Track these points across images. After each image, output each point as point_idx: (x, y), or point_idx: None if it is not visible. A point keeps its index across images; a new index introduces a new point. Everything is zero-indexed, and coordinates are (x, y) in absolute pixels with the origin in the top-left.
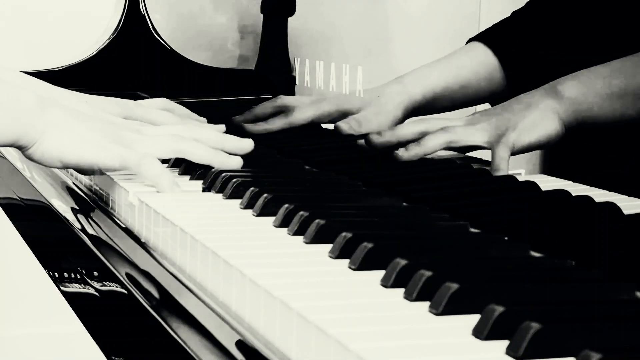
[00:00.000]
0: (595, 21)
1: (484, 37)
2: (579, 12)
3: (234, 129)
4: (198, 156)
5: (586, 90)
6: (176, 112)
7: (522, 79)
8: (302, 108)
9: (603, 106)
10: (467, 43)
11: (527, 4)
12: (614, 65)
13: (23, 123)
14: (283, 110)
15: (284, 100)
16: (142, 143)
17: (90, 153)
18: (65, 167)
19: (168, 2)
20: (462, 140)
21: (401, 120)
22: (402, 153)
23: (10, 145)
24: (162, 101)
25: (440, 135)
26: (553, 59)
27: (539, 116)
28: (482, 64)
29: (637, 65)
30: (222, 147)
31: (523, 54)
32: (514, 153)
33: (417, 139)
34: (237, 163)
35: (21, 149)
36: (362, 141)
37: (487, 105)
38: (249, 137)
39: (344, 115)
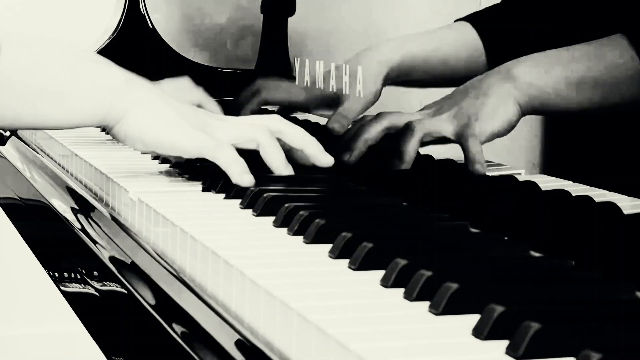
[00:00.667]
0: (584, 13)
1: (471, 18)
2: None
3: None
4: (270, 158)
5: (543, 74)
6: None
7: (503, 59)
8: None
9: (559, 93)
10: (454, 22)
11: None
12: (573, 51)
13: (110, 102)
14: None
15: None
16: (224, 129)
17: (170, 135)
18: (146, 148)
19: (168, 2)
20: (434, 132)
21: (380, 93)
22: (347, 158)
23: (98, 125)
24: (185, 80)
25: (413, 134)
26: (539, 45)
27: (497, 103)
28: (466, 43)
29: (598, 54)
30: (303, 148)
31: (508, 39)
32: (481, 143)
33: (386, 135)
34: (329, 162)
35: (107, 127)
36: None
37: None
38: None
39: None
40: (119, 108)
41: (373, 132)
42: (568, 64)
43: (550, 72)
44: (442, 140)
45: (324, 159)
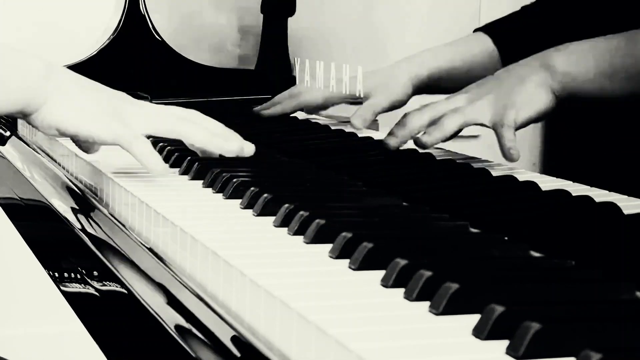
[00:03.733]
0: (598, 19)
1: (487, 29)
2: (585, 7)
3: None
4: (194, 138)
5: (578, 64)
6: None
7: None
8: (311, 91)
9: (594, 82)
10: (473, 32)
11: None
12: (608, 42)
13: (31, 90)
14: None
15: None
16: (140, 118)
17: (86, 125)
18: (61, 135)
19: (168, 2)
20: (474, 119)
21: (410, 96)
22: (425, 139)
23: (18, 113)
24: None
25: (456, 117)
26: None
27: (533, 90)
28: (486, 53)
29: (630, 44)
30: (224, 140)
31: (522, 48)
32: (516, 129)
33: (429, 126)
34: (235, 148)
35: (25, 116)
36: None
37: None
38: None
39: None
40: (39, 96)
41: (418, 123)
42: (603, 53)
43: (585, 62)
44: (478, 125)
45: (246, 149)
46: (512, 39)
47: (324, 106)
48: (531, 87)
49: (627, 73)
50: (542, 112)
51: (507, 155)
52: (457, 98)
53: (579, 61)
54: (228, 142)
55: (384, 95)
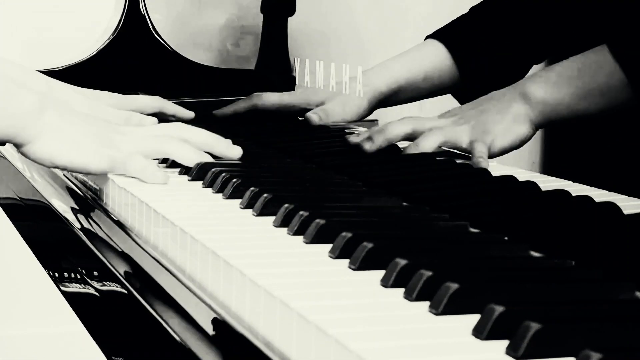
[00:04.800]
0: (547, 16)
1: (438, 35)
2: (532, 8)
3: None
4: (182, 157)
5: (553, 91)
6: (167, 109)
7: (473, 75)
8: (270, 96)
9: (569, 105)
10: (425, 40)
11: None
12: (577, 63)
13: (21, 123)
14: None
15: (255, 97)
16: (128, 144)
17: (80, 158)
18: (55, 167)
19: (168, 2)
20: (452, 141)
21: (367, 111)
22: (367, 146)
23: (5, 141)
24: (154, 100)
25: (434, 135)
26: (504, 55)
27: (511, 121)
28: (440, 59)
29: (599, 62)
30: (210, 150)
31: (474, 51)
32: (490, 156)
33: (407, 139)
34: (221, 155)
35: (15, 145)
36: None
37: (449, 96)
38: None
39: (309, 106)
40: (29, 131)
41: (396, 132)
42: (575, 76)
43: (559, 87)
44: (456, 149)
45: (234, 153)
46: (464, 43)
47: (278, 110)
48: (509, 119)
49: (599, 90)
50: (519, 142)
51: (475, 162)
52: (440, 121)
53: (554, 88)
54: (233, 149)
55: (340, 104)
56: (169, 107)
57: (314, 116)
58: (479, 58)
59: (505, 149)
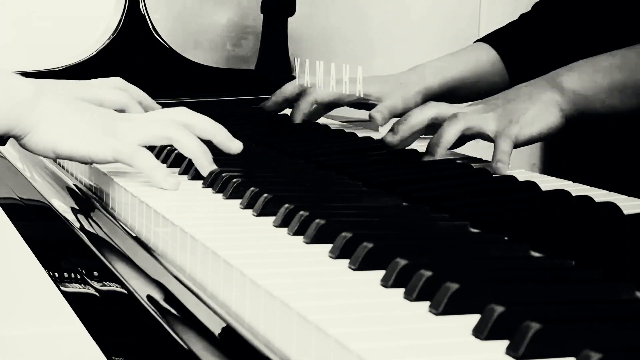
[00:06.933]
0: (600, 22)
1: (489, 39)
2: (584, 13)
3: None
4: (186, 147)
5: (587, 82)
6: (131, 92)
7: (524, 81)
8: (322, 89)
9: (603, 99)
10: (474, 43)
11: (534, 6)
12: (616, 58)
13: (18, 113)
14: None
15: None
16: (133, 132)
17: (83, 146)
18: (57, 157)
19: (168, 2)
20: (476, 127)
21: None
22: (389, 138)
23: (4, 134)
24: (116, 80)
25: (457, 122)
26: (556, 61)
27: (541, 109)
28: (491, 63)
29: (638, 59)
30: (211, 138)
31: (526, 57)
32: (517, 146)
33: (431, 126)
34: (227, 149)
35: (15, 138)
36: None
37: None
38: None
39: (365, 101)
40: (27, 120)
41: (419, 119)
42: (611, 71)
43: (594, 80)
44: (481, 136)
45: (233, 146)
46: (516, 48)
47: (334, 105)
48: (539, 106)
49: (635, 87)
50: (547, 130)
51: (494, 167)
52: (465, 108)
53: (588, 79)
54: (233, 142)
55: (401, 100)
56: (132, 90)
57: (377, 116)
58: (530, 64)
59: (534, 138)
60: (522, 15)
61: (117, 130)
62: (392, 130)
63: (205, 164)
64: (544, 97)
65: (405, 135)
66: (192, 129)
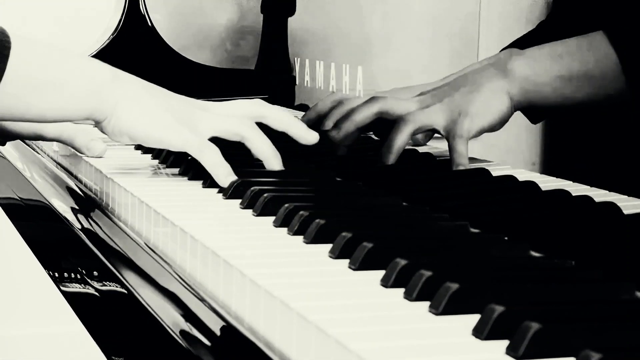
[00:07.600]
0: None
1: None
2: (597, 18)
3: None
4: (258, 147)
5: (538, 69)
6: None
7: None
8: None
9: (553, 87)
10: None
11: (549, 14)
12: (569, 45)
13: (100, 95)
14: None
15: (339, 95)
16: (208, 122)
17: (156, 132)
18: (132, 142)
19: (168, 2)
20: (426, 125)
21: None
22: (334, 134)
23: (86, 120)
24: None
25: (404, 126)
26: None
27: (490, 97)
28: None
29: (591, 48)
30: (286, 130)
31: None
32: (469, 139)
33: (377, 121)
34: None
35: (94, 120)
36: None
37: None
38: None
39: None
40: (107, 102)
41: (363, 115)
42: (562, 58)
43: (545, 67)
44: (432, 132)
45: (310, 137)
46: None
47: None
48: (488, 94)
49: (589, 75)
50: (498, 120)
51: (454, 169)
52: (410, 101)
53: (538, 65)
54: (309, 133)
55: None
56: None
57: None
58: None
59: (484, 130)
60: (541, 24)
61: (192, 117)
62: (336, 126)
63: (276, 165)
64: (491, 85)
65: (349, 131)
66: (267, 121)
